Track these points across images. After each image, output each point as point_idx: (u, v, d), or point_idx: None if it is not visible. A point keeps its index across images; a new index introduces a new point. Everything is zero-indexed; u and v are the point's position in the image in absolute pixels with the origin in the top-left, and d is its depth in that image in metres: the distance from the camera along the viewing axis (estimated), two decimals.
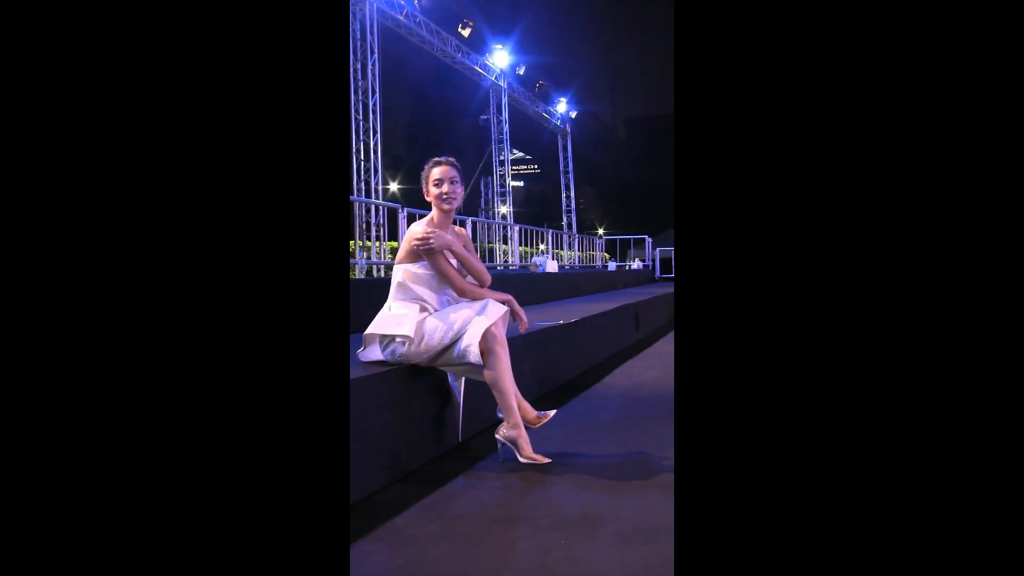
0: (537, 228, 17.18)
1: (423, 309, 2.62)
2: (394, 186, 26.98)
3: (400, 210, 8.61)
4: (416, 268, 2.60)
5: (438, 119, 26.51)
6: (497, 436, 2.58)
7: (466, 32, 18.03)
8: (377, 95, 13.31)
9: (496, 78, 19.33)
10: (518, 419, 2.56)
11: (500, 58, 19.33)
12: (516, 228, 14.84)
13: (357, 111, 13.13)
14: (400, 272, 2.63)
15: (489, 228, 14.04)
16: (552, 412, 2.70)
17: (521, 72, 20.76)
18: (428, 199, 2.69)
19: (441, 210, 2.68)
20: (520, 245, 14.72)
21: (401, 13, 14.47)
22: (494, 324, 2.54)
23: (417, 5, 14.99)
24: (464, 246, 2.78)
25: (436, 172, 2.67)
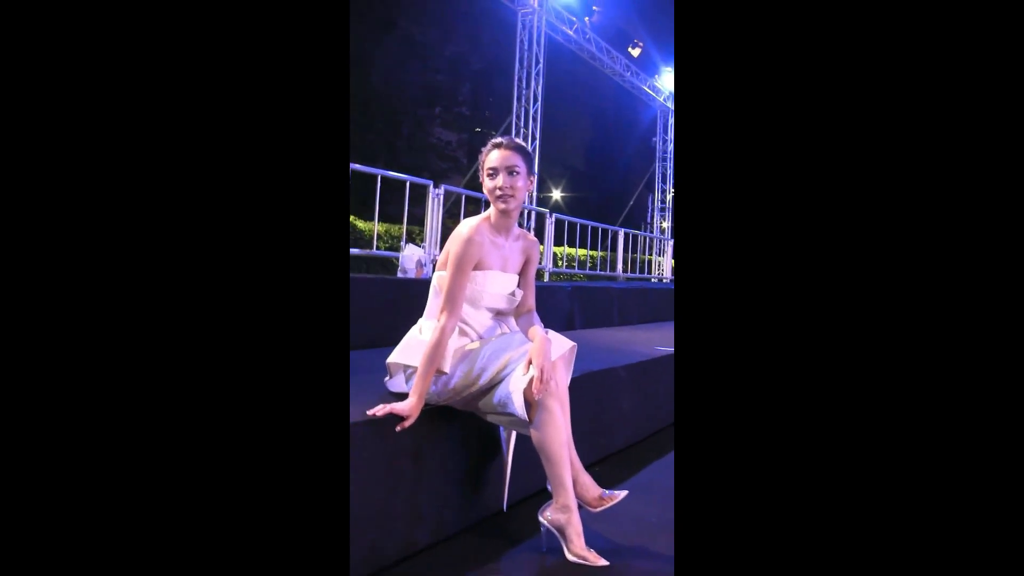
0: None
1: (463, 333, 1.83)
2: (556, 193, 26.17)
3: (548, 216, 8.00)
4: None
5: (612, 136, 25.74)
6: (541, 519, 1.75)
7: (636, 52, 17.11)
8: (539, 103, 12.65)
9: (664, 100, 18.22)
10: (570, 500, 1.71)
11: (668, 80, 18.16)
12: (671, 243, 14.02)
13: (518, 116, 12.57)
14: (438, 281, 1.84)
15: (646, 241, 13.09)
16: (621, 494, 1.79)
17: None
18: (485, 192, 1.84)
19: (497, 209, 1.82)
20: (673, 258, 13.98)
21: (571, 28, 13.77)
22: (550, 366, 1.70)
23: (587, 23, 14.33)
24: (527, 261, 1.94)
25: (493, 157, 1.80)
